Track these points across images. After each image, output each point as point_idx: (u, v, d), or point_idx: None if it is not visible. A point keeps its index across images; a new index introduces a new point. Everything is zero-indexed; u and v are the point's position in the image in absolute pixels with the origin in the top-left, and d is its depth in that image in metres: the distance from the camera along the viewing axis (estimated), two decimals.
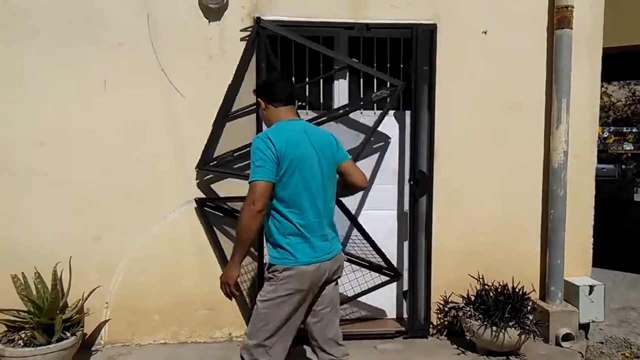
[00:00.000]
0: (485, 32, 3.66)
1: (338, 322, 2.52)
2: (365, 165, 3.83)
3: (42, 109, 3.37)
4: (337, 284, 2.54)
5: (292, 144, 2.28)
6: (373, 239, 3.67)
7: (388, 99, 3.56)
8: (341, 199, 3.35)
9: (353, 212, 3.72)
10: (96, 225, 3.47)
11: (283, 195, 2.28)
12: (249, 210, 2.20)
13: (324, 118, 3.56)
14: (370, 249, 3.66)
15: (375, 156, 3.87)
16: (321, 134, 2.47)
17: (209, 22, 3.44)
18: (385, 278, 3.73)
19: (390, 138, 3.87)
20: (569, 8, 3.59)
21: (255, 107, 3.50)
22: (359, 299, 3.82)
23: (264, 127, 3.51)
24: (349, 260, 3.59)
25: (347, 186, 2.56)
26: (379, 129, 3.79)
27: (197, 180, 3.53)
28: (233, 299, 2.41)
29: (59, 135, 3.39)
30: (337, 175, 2.50)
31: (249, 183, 2.23)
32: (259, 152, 2.24)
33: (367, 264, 3.74)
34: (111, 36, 3.38)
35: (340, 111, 3.63)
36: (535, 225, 3.83)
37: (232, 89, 3.47)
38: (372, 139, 3.67)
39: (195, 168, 3.48)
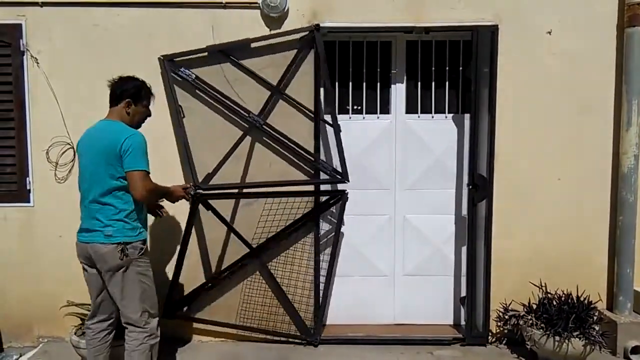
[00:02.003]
0: (549, 32, 3.55)
1: (119, 308, 2.78)
2: (422, 168, 3.83)
3: None
4: (114, 277, 2.69)
5: (80, 142, 2.78)
6: (429, 243, 3.79)
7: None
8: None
9: (407, 215, 3.73)
10: None
11: None
12: None
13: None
14: None
15: (432, 159, 3.83)
16: (104, 137, 2.66)
17: (270, 30, 3.52)
18: None
19: (447, 141, 3.83)
20: None
21: (312, 112, 3.59)
22: (413, 304, 3.84)
23: (323, 131, 3.63)
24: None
25: None
26: (436, 130, 3.79)
27: None
28: None
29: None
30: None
31: None
32: None
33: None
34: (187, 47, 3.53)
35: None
36: (603, 233, 3.67)
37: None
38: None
39: None
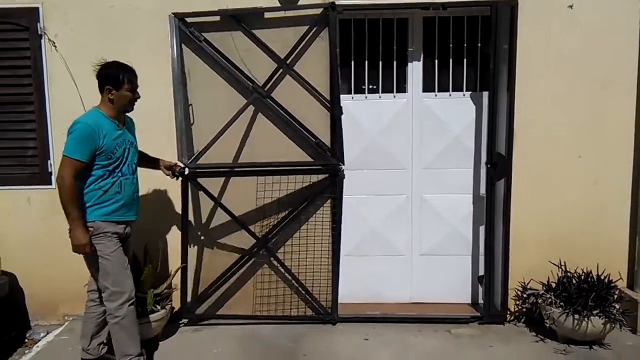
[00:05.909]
0: (571, 7, 3.46)
1: None
2: (439, 147, 3.80)
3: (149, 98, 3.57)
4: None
5: None
6: (446, 222, 3.76)
7: None
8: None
9: (424, 195, 3.74)
10: None
11: None
12: None
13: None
14: None
15: (450, 138, 3.79)
16: None
17: (285, 11, 3.48)
18: None
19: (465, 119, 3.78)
20: None
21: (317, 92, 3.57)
22: (430, 283, 3.86)
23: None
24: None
25: None
26: (454, 109, 3.75)
27: None
28: None
29: (164, 124, 3.57)
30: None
31: None
32: None
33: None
34: None
35: None
36: (624, 210, 3.62)
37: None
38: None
39: None
